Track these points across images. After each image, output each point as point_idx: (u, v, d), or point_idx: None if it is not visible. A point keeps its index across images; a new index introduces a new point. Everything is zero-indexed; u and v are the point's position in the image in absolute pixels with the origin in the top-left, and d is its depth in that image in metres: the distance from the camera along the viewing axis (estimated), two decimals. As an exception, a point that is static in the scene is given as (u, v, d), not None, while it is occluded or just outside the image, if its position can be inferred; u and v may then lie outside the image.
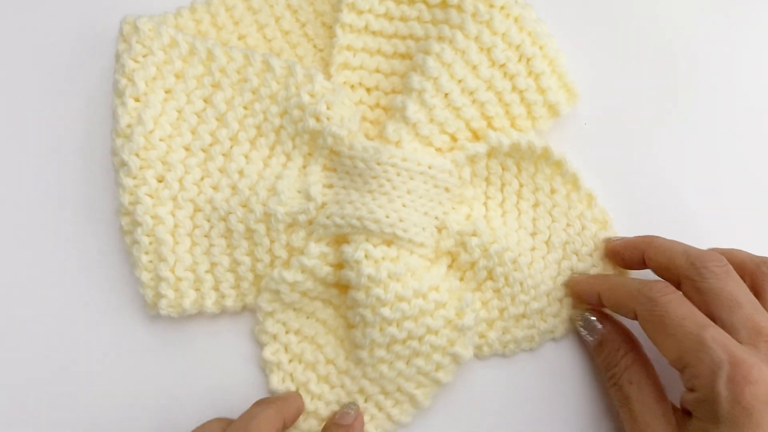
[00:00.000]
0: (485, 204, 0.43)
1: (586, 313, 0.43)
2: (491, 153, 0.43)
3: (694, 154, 0.46)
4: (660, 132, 0.46)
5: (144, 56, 0.42)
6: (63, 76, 0.46)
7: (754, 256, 0.40)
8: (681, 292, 0.38)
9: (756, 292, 0.39)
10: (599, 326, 0.42)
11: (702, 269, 0.38)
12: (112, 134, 0.42)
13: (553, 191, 0.43)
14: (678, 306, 0.37)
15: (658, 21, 0.47)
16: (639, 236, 0.42)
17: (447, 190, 0.42)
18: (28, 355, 0.44)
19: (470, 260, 0.42)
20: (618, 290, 0.40)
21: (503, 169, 0.43)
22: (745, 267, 0.39)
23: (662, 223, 0.45)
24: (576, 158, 0.43)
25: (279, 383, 0.43)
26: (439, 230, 0.42)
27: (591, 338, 0.42)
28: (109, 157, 0.43)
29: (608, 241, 0.44)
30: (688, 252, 0.39)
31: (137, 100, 0.42)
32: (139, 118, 0.41)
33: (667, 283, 0.38)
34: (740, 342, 0.36)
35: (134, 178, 0.41)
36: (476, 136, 0.43)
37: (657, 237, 0.41)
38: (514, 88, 0.42)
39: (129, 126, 0.41)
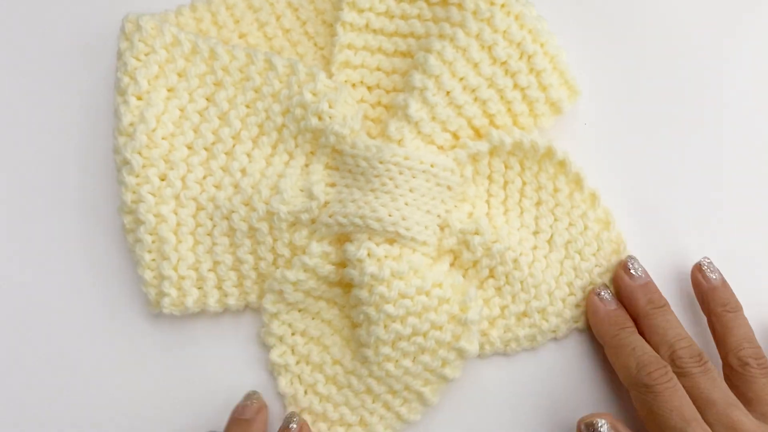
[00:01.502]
0: (487, 201, 0.43)
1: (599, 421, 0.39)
2: (493, 151, 0.43)
3: (695, 153, 0.46)
4: (661, 131, 0.46)
5: (146, 54, 0.42)
6: (65, 74, 0.46)
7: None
8: (677, 380, 0.39)
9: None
10: None
11: (679, 366, 0.40)
12: (114, 132, 0.42)
13: (556, 190, 0.43)
14: (669, 397, 0.38)
15: (659, 20, 0.47)
16: (642, 306, 0.42)
17: (449, 188, 0.42)
18: (30, 353, 0.43)
19: (472, 259, 0.42)
20: (620, 357, 0.40)
21: (506, 167, 0.43)
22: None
23: (663, 223, 0.45)
24: (577, 158, 0.43)
25: (287, 386, 0.43)
26: (442, 228, 0.42)
27: None
28: (111, 155, 0.43)
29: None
30: (672, 343, 0.40)
31: (140, 98, 0.42)
32: (141, 116, 0.41)
33: (667, 369, 0.39)
34: None
35: (137, 176, 0.41)
36: (478, 134, 0.43)
37: (653, 313, 0.41)
38: (515, 86, 0.42)
39: (131, 124, 0.41)
